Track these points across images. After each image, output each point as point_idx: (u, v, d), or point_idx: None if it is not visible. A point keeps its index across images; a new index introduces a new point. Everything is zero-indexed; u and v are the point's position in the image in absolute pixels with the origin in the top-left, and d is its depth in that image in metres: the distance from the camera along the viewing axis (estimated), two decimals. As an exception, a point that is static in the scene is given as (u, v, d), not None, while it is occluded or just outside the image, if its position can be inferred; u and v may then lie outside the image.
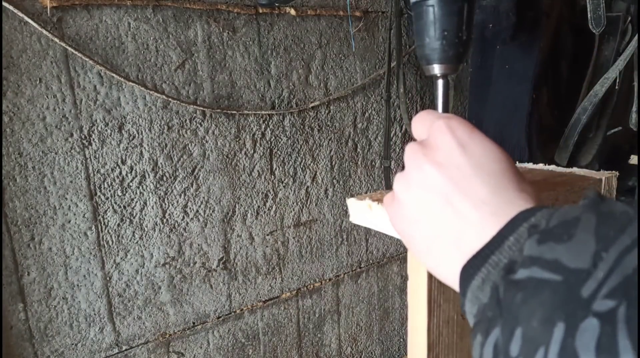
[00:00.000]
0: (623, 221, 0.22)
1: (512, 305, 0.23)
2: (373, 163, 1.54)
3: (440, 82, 0.45)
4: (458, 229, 0.30)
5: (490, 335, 0.24)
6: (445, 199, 0.31)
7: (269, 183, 1.32)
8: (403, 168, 0.37)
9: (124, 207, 1.11)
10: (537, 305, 0.21)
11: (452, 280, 0.31)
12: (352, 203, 0.52)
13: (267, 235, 1.35)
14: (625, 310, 0.19)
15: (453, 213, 0.31)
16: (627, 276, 0.20)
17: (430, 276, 0.48)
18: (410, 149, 0.35)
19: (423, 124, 0.37)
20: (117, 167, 1.08)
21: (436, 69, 0.44)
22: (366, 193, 1.59)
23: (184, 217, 1.19)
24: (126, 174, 1.10)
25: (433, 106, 0.46)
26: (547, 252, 0.22)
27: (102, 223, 1.08)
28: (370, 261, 1.60)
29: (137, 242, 1.14)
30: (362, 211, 0.51)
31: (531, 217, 0.26)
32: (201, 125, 1.18)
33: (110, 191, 1.08)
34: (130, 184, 1.11)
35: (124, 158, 1.09)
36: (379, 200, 0.49)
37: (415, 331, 0.50)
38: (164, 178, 1.15)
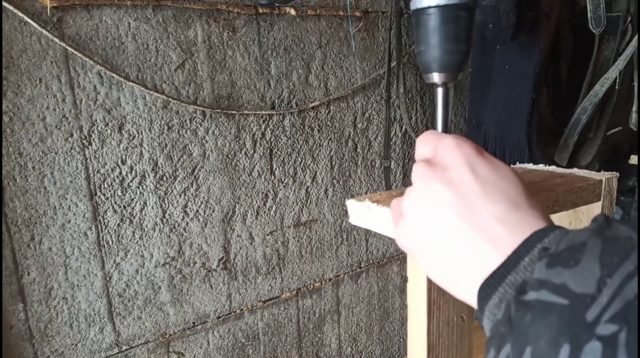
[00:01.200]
0: (627, 247, 0.23)
1: (522, 325, 0.24)
2: (373, 163, 1.54)
3: (439, 91, 0.45)
4: (473, 247, 0.30)
5: (502, 351, 0.25)
6: (459, 217, 0.31)
7: (269, 183, 1.32)
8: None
9: (124, 207, 1.11)
10: (544, 326, 0.23)
11: (466, 297, 0.31)
12: (351, 204, 0.52)
13: (267, 235, 1.35)
14: (625, 335, 0.20)
15: (467, 232, 0.31)
16: (628, 302, 0.21)
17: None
18: (418, 168, 0.35)
19: (427, 143, 0.37)
20: (117, 167, 1.08)
21: (436, 77, 0.44)
22: (366, 193, 1.59)
23: (184, 217, 1.19)
24: (126, 174, 1.10)
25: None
26: (555, 276, 0.24)
27: (102, 223, 1.08)
28: (370, 261, 1.61)
29: (137, 242, 1.14)
30: (361, 213, 0.51)
31: (544, 238, 0.27)
32: (201, 125, 1.18)
33: (110, 191, 1.08)
34: (130, 184, 1.11)
35: (124, 158, 1.09)
36: (379, 201, 0.49)
37: (415, 332, 0.50)
38: (164, 178, 1.15)
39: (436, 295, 0.49)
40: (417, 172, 0.35)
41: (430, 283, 0.48)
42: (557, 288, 0.23)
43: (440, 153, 0.34)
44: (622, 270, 0.22)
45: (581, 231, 0.26)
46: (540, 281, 0.24)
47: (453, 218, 0.31)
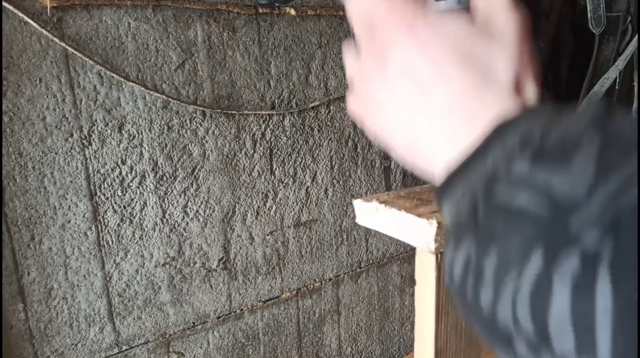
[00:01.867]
0: (629, 146, 0.19)
1: (489, 225, 0.21)
2: (373, 163, 1.54)
3: None
4: (441, 126, 0.26)
5: (462, 245, 0.22)
6: (424, 88, 0.26)
7: (269, 183, 1.32)
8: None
9: (124, 207, 1.11)
10: (515, 231, 0.20)
11: (432, 177, 0.28)
12: (358, 204, 0.52)
13: (267, 235, 1.35)
14: (611, 249, 0.17)
15: (432, 107, 0.26)
16: (621, 213, 0.18)
17: (439, 283, 0.48)
18: (358, 63, 0.30)
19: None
20: (117, 167, 1.08)
21: None
22: (366, 193, 1.59)
23: (184, 217, 1.19)
24: (126, 174, 1.10)
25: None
26: (539, 176, 0.20)
27: (102, 223, 1.08)
28: (370, 261, 1.60)
29: (137, 242, 1.14)
30: (368, 213, 0.51)
31: (526, 125, 0.23)
32: (201, 125, 1.18)
33: (110, 191, 1.08)
34: (130, 184, 1.11)
35: (124, 158, 1.09)
36: (386, 202, 0.49)
37: (422, 337, 0.49)
38: (164, 178, 1.15)
39: (445, 300, 0.49)
40: (369, 54, 0.30)
41: (439, 287, 0.48)
42: (539, 188, 0.20)
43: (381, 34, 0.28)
44: (619, 174, 0.18)
45: (575, 119, 0.22)
46: (521, 180, 0.21)
47: (417, 91, 0.27)
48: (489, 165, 0.22)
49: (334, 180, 1.46)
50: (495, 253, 0.20)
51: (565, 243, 0.18)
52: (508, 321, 0.20)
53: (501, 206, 0.21)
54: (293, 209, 1.39)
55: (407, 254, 1.71)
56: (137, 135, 1.10)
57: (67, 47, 0.98)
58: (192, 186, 1.19)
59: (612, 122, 0.20)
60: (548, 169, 0.20)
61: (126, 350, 1.16)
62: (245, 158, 1.27)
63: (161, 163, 1.14)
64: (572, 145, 0.20)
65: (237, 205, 1.28)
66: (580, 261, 0.18)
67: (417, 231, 0.47)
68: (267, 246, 1.35)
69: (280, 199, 1.36)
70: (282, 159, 1.34)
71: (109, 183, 1.08)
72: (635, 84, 1.33)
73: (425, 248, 0.47)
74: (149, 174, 1.13)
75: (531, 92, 0.26)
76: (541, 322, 0.19)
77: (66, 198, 1.03)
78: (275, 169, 1.33)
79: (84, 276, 1.08)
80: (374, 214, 0.50)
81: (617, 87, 1.31)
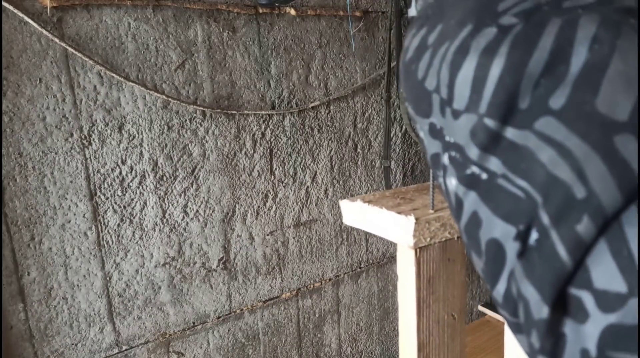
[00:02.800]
0: None
1: (444, 3, 0.25)
2: (373, 163, 1.54)
3: None
4: None
5: (422, 29, 0.26)
6: None
7: (269, 183, 1.32)
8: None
9: (124, 207, 1.11)
10: (461, 6, 0.24)
11: None
12: (345, 204, 0.53)
13: (267, 235, 1.35)
14: (519, 29, 0.21)
15: None
16: (538, 5, 0.21)
17: (419, 277, 0.49)
18: None
19: None
20: (117, 167, 1.08)
21: None
22: (366, 193, 1.59)
23: (184, 217, 1.19)
24: (126, 174, 1.10)
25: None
26: None
27: (102, 223, 1.08)
28: (370, 261, 1.60)
29: (137, 242, 1.14)
30: (354, 212, 0.51)
31: None
32: (201, 125, 1.18)
33: (110, 191, 1.08)
34: (130, 184, 1.11)
35: (124, 158, 1.09)
36: (371, 201, 0.50)
37: (405, 331, 0.50)
38: (164, 178, 1.15)
39: (425, 294, 0.49)
40: None
41: (419, 281, 0.49)
42: None
43: None
44: None
45: None
46: None
47: None
48: None
49: (334, 180, 1.46)
50: (439, 30, 0.24)
51: (489, 20, 0.22)
52: (433, 86, 0.24)
53: None
54: (293, 210, 1.39)
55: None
56: (137, 135, 1.10)
57: (67, 47, 0.98)
58: (192, 186, 1.19)
59: None
60: None
61: (126, 350, 1.16)
62: (245, 158, 1.27)
63: (161, 163, 1.14)
64: None
65: (237, 205, 1.28)
66: (494, 34, 0.22)
67: (397, 228, 0.48)
68: (267, 246, 1.35)
69: (280, 199, 1.36)
70: (282, 159, 1.34)
71: (109, 183, 1.08)
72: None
73: (405, 243, 0.48)
74: (149, 174, 1.13)
75: None
76: (452, 81, 0.23)
77: (66, 198, 1.03)
78: (275, 169, 1.33)
79: (84, 276, 1.08)
80: (359, 214, 0.51)
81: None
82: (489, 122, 0.22)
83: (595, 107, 0.19)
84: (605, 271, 0.19)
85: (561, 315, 0.20)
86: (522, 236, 0.22)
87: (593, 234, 0.19)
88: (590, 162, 0.19)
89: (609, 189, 0.19)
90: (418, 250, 0.49)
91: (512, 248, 0.22)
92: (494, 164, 0.22)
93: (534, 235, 0.21)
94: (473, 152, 0.23)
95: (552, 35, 0.21)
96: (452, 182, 0.25)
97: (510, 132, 0.21)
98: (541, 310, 0.21)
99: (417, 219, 0.47)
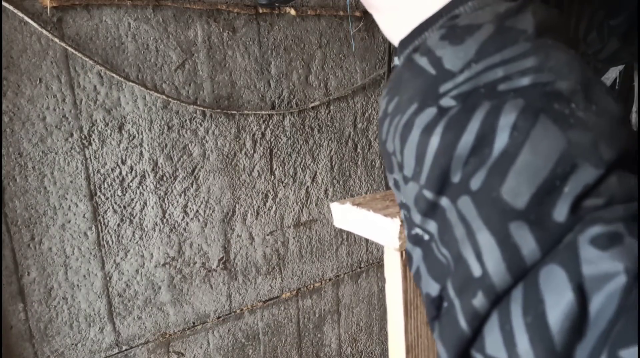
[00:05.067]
0: (510, 39, 0.24)
1: (402, 78, 0.27)
2: (373, 163, 1.54)
3: None
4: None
5: (392, 99, 0.28)
6: None
7: (269, 183, 1.32)
8: None
9: (124, 207, 1.11)
10: (412, 85, 0.26)
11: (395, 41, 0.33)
12: (335, 207, 0.53)
13: (267, 235, 1.35)
14: (456, 111, 0.23)
15: None
16: (475, 88, 0.23)
17: (406, 279, 0.49)
18: None
19: None
20: (117, 167, 1.08)
21: None
22: (366, 193, 1.59)
23: (184, 217, 1.19)
24: (126, 174, 1.10)
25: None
26: (439, 49, 0.25)
27: (102, 223, 1.08)
28: (370, 261, 1.61)
29: (137, 242, 1.14)
30: (343, 215, 0.52)
31: (464, 4, 0.27)
32: (201, 125, 1.18)
33: (110, 191, 1.08)
34: (130, 184, 1.11)
35: (124, 158, 1.09)
36: (359, 204, 0.50)
37: (394, 333, 0.50)
38: (164, 178, 1.15)
39: (413, 296, 0.50)
40: None
41: (406, 283, 0.49)
42: (435, 59, 0.25)
43: None
44: (489, 59, 0.24)
45: (490, 10, 0.26)
46: (428, 49, 0.26)
47: None
48: (429, 32, 0.28)
49: (334, 180, 1.46)
50: (395, 101, 0.27)
51: (431, 101, 0.25)
52: (391, 150, 0.27)
53: (413, 64, 0.27)
54: (293, 210, 1.39)
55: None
56: (137, 135, 1.10)
57: (67, 47, 0.98)
58: (192, 186, 1.19)
59: (513, 20, 0.25)
60: (447, 44, 0.25)
61: (126, 350, 1.16)
62: (245, 158, 1.27)
63: (161, 163, 1.14)
64: (472, 29, 0.25)
65: (237, 205, 1.28)
66: (434, 114, 0.24)
67: (383, 230, 0.49)
68: (267, 246, 1.35)
69: (280, 199, 1.36)
70: (282, 159, 1.34)
71: (109, 183, 1.08)
72: (635, 84, 1.33)
73: (391, 246, 0.49)
74: (149, 174, 1.13)
75: None
76: (402, 151, 0.26)
77: (66, 198, 1.03)
78: (275, 169, 1.33)
79: (84, 276, 1.08)
80: (348, 216, 0.51)
81: (617, 88, 1.31)
82: (427, 193, 0.24)
83: (500, 194, 0.22)
84: (494, 341, 0.21)
85: None
86: (437, 303, 0.25)
87: (487, 307, 0.22)
88: (488, 245, 0.22)
89: (500, 270, 0.21)
90: (404, 252, 0.50)
91: (433, 309, 0.25)
92: (433, 227, 0.25)
93: (445, 303, 0.24)
94: (416, 217, 0.26)
95: (479, 121, 0.23)
96: (406, 234, 0.28)
97: (444, 201, 0.24)
98: None
99: (402, 221, 0.47)
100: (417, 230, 0.26)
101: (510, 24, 0.25)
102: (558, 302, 0.19)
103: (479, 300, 0.22)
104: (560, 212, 0.21)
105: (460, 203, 0.23)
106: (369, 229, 0.50)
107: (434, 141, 0.24)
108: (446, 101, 0.24)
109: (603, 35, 0.48)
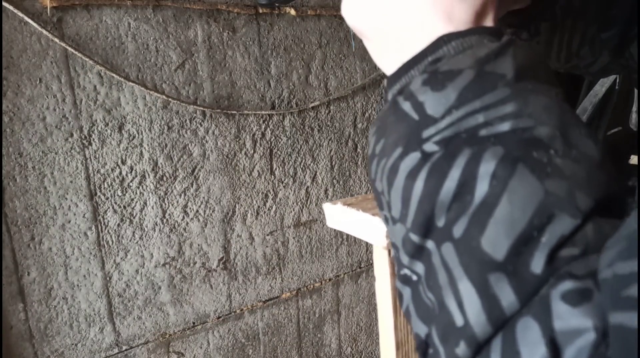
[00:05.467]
0: (489, 85, 0.25)
1: (387, 120, 0.28)
2: (373, 163, 1.54)
3: None
4: (403, 30, 0.30)
5: (379, 140, 0.29)
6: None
7: (269, 183, 1.33)
8: None
9: (124, 207, 1.11)
10: (396, 128, 0.27)
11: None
12: (327, 207, 0.54)
13: (267, 235, 1.35)
14: (437, 157, 0.24)
15: (407, 11, 0.29)
16: (457, 133, 0.24)
17: (394, 277, 0.50)
18: None
19: None
20: (117, 167, 1.08)
21: None
22: (366, 193, 1.59)
23: (184, 217, 1.19)
24: (126, 174, 1.10)
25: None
26: (421, 94, 0.26)
27: (102, 223, 1.09)
28: (370, 261, 1.61)
29: (137, 242, 1.14)
30: (335, 215, 0.53)
31: (445, 45, 0.27)
32: (201, 125, 1.18)
33: (110, 191, 1.08)
34: (130, 184, 1.11)
35: (124, 158, 1.09)
36: (350, 204, 0.51)
37: (384, 330, 0.51)
38: (164, 178, 1.15)
39: None
40: None
41: (394, 281, 0.50)
42: (417, 104, 0.26)
43: None
44: (469, 106, 0.24)
45: (471, 53, 0.26)
46: (410, 93, 0.27)
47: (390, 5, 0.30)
48: (408, 77, 0.28)
49: (334, 180, 1.46)
50: (382, 143, 0.28)
51: (415, 145, 0.25)
52: (380, 190, 0.28)
53: (395, 112, 0.27)
54: (293, 210, 1.39)
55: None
56: (137, 135, 1.10)
57: (67, 47, 0.98)
58: (192, 186, 1.19)
59: (495, 62, 0.25)
60: (429, 90, 0.26)
61: (126, 350, 1.16)
62: (245, 158, 1.27)
63: (161, 163, 1.14)
64: (453, 75, 0.25)
65: (237, 205, 1.28)
66: (417, 159, 0.25)
67: (372, 229, 0.49)
68: (267, 246, 1.35)
69: (280, 199, 1.36)
70: (282, 159, 1.34)
71: (109, 183, 1.08)
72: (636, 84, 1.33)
73: (379, 244, 0.50)
74: (149, 174, 1.13)
75: (490, 20, 0.30)
76: (389, 193, 0.26)
77: (66, 198, 1.03)
78: (275, 169, 1.33)
79: (84, 276, 1.08)
80: (339, 217, 0.52)
81: (617, 88, 1.31)
82: (413, 236, 0.25)
83: (480, 244, 0.22)
84: None
85: None
86: (423, 348, 0.25)
87: (469, 356, 0.22)
88: (469, 294, 0.22)
89: (481, 321, 0.22)
90: (391, 250, 0.51)
91: (421, 353, 0.26)
92: (420, 268, 0.25)
93: (430, 349, 0.25)
94: (404, 258, 0.26)
95: (461, 168, 0.23)
96: (396, 273, 0.28)
97: (430, 245, 0.24)
98: None
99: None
100: (406, 271, 0.26)
101: (490, 68, 0.25)
102: (532, 355, 0.20)
103: (461, 350, 0.22)
104: (537, 263, 0.21)
105: (444, 249, 0.23)
106: (358, 228, 0.51)
107: (418, 186, 0.24)
108: (429, 146, 0.25)
109: (595, 49, 0.49)
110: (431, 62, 0.27)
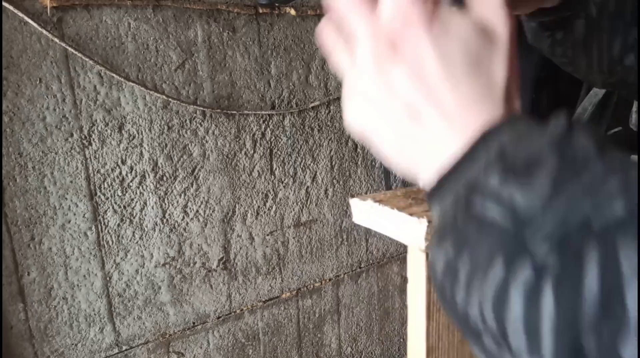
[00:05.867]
0: (580, 164, 0.22)
1: (466, 229, 0.24)
2: (373, 163, 1.54)
3: None
4: (436, 127, 0.27)
5: (444, 245, 0.25)
6: (429, 88, 0.27)
7: (269, 183, 1.32)
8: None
9: (124, 207, 1.11)
10: (484, 236, 0.23)
11: (415, 177, 0.30)
12: (355, 203, 0.52)
13: (267, 235, 1.35)
14: (558, 266, 0.20)
15: (433, 108, 0.27)
16: (568, 231, 0.20)
17: (429, 281, 0.48)
18: (370, 43, 0.29)
19: None
20: (117, 167, 1.08)
21: None
22: (366, 193, 1.59)
23: (184, 217, 1.19)
24: (126, 174, 1.10)
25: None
26: (505, 191, 0.22)
27: (102, 223, 1.08)
28: (370, 261, 1.60)
29: (137, 242, 1.14)
30: (364, 211, 0.51)
31: (506, 135, 0.25)
32: (201, 125, 1.18)
33: (110, 191, 1.08)
34: (130, 184, 1.11)
35: (124, 158, 1.09)
36: (381, 201, 0.49)
37: (414, 334, 0.50)
38: (164, 178, 1.15)
39: (435, 297, 0.49)
40: (370, 50, 0.29)
41: (429, 285, 0.48)
42: (504, 202, 0.22)
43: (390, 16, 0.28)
44: (572, 191, 0.21)
45: (538, 136, 0.24)
46: (492, 192, 0.23)
47: (408, 109, 0.27)
48: (473, 172, 0.25)
49: (334, 180, 1.46)
50: (467, 258, 0.23)
51: (520, 254, 0.21)
52: (477, 319, 0.23)
53: (475, 215, 0.23)
54: (293, 210, 1.39)
55: (407, 254, 1.71)
56: (137, 135, 1.10)
57: (67, 47, 0.98)
58: (192, 186, 1.19)
59: (570, 141, 0.22)
60: (513, 184, 0.22)
61: (126, 350, 1.16)
62: (245, 158, 1.27)
63: (161, 163, 1.14)
64: (534, 163, 0.22)
65: (237, 205, 1.28)
66: (532, 272, 0.20)
67: (408, 230, 0.48)
68: (267, 246, 1.35)
69: (280, 199, 1.36)
70: (282, 159, 1.34)
71: (109, 183, 1.08)
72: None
73: (416, 246, 0.48)
74: (149, 174, 1.13)
75: (517, 99, 0.27)
76: (501, 323, 0.22)
77: (66, 198, 1.03)
78: (275, 169, 1.33)
79: (84, 276, 1.08)
80: (370, 213, 0.50)
81: (617, 87, 1.31)
82: None
83: None
84: None
85: None
86: None
87: None
88: None
89: None
90: (429, 253, 0.49)
91: None
92: None
93: None
94: None
95: (596, 272, 0.19)
96: None
97: None
98: None
99: (429, 222, 0.47)
100: None
101: (567, 147, 0.22)
102: None
103: None
104: None
105: None
106: (391, 227, 0.49)
107: (547, 304, 0.20)
108: (540, 252, 0.20)
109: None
110: (498, 154, 0.24)
